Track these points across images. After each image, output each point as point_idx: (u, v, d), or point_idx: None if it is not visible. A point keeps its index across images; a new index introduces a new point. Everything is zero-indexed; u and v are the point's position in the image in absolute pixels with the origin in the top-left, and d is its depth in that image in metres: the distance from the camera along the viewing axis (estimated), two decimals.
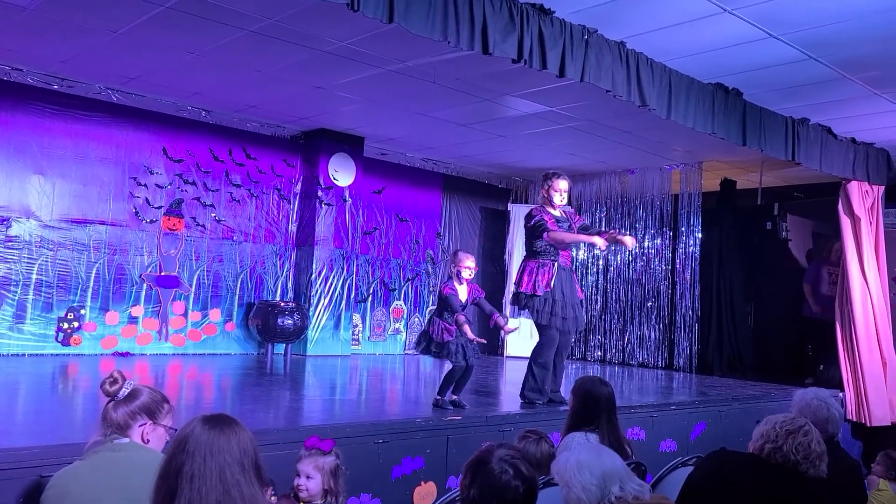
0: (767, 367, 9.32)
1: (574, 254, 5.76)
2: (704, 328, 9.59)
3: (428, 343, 5.26)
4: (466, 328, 5.16)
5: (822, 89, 6.31)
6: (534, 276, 5.47)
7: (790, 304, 9.39)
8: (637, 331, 10.22)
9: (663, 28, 5.21)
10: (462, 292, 5.22)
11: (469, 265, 5.22)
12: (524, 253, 5.77)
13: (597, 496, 2.24)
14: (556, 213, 5.64)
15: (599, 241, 5.46)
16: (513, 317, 5.91)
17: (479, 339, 5.25)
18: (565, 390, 5.55)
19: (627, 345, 10.32)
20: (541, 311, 5.43)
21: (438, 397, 5.25)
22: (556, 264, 5.50)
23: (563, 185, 5.62)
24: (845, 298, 7.93)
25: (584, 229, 5.80)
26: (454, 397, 5.28)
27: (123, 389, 2.50)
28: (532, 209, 5.68)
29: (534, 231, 5.55)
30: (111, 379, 2.54)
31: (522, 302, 5.52)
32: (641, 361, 10.12)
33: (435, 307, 5.56)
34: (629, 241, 5.59)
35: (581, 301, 5.75)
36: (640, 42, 5.42)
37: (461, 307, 5.17)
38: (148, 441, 2.47)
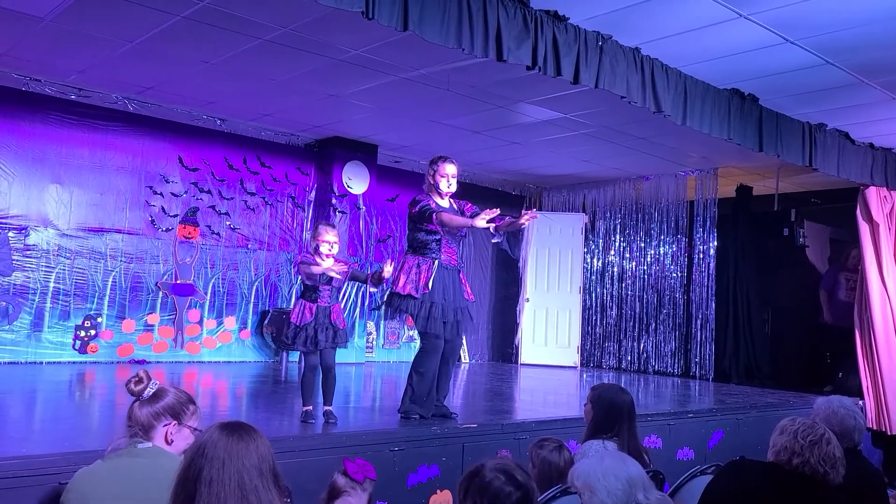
0: (784, 374, 9.23)
1: (461, 252, 5.04)
2: (720, 335, 9.51)
3: (287, 329, 4.74)
4: (328, 268, 4.59)
5: (839, 94, 6.26)
6: (410, 274, 4.82)
7: (807, 311, 9.31)
8: (653, 338, 10.15)
9: (678, 34, 5.19)
10: (327, 264, 4.72)
11: (329, 239, 4.72)
12: (405, 247, 5.11)
13: (623, 500, 2.21)
14: (444, 202, 4.97)
15: (480, 223, 4.66)
16: (387, 319, 5.18)
17: (340, 269, 4.61)
18: (581, 398, 5.48)
19: (643, 352, 10.25)
20: (417, 315, 4.79)
21: (303, 408, 4.71)
22: (436, 262, 4.85)
23: (450, 169, 4.92)
24: (864, 305, 7.85)
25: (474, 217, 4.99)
26: (326, 408, 4.71)
27: (148, 389, 2.50)
28: (416, 195, 4.99)
29: (419, 218, 4.85)
30: (136, 378, 2.53)
31: (396, 304, 4.84)
32: (657, 369, 10.04)
33: (298, 288, 4.94)
34: (524, 219, 4.81)
35: (470, 304, 5.07)
36: (654, 48, 5.40)
37: (321, 275, 4.64)
38: (172, 442, 2.47)
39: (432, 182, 4.95)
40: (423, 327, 4.84)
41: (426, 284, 4.79)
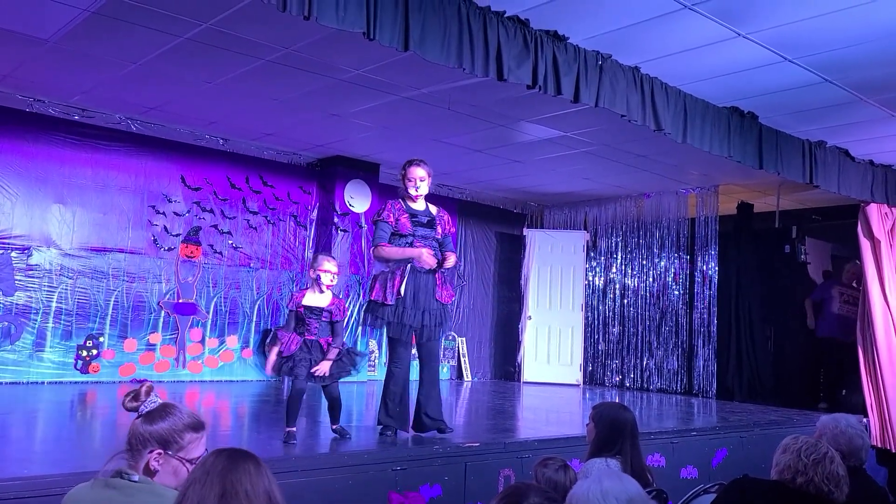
0: (788, 391, 9.20)
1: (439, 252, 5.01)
2: (723, 353, 9.49)
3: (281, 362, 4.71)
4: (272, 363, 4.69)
5: (838, 112, 6.29)
6: (385, 281, 4.83)
7: (810, 328, 9.30)
8: (655, 356, 10.13)
9: (677, 53, 5.23)
10: (321, 300, 4.74)
11: (329, 269, 4.73)
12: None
13: None
14: (417, 205, 4.99)
15: (423, 255, 4.78)
16: (366, 326, 5.22)
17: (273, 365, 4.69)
18: (584, 416, 5.45)
19: (646, 370, 10.22)
20: (392, 322, 4.79)
21: (286, 429, 4.61)
22: (408, 266, 4.83)
23: (417, 172, 4.91)
24: (867, 322, 7.83)
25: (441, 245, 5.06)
26: (335, 426, 4.81)
27: (143, 407, 2.29)
28: (385, 205, 4.99)
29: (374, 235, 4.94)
30: (132, 395, 2.31)
31: (374, 312, 4.84)
32: (660, 387, 10.01)
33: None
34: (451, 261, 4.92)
35: (443, 306, 5.00)
36: (654, 67, 5.44)
37: (306, 316, 4.70)
38: (157, 472, 2.22)
39: (403, 186, 5.00)
40: (394, 333, 4.86)
41: (398, 290, 4.79)
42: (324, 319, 4.77)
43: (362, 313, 5.08)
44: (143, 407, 2.28)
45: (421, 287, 4.90)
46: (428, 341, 5.03)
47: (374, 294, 4.85)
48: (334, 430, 4.80)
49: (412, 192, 4.96)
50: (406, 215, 4.93)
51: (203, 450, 2.31)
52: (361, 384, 8.85)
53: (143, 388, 2.31)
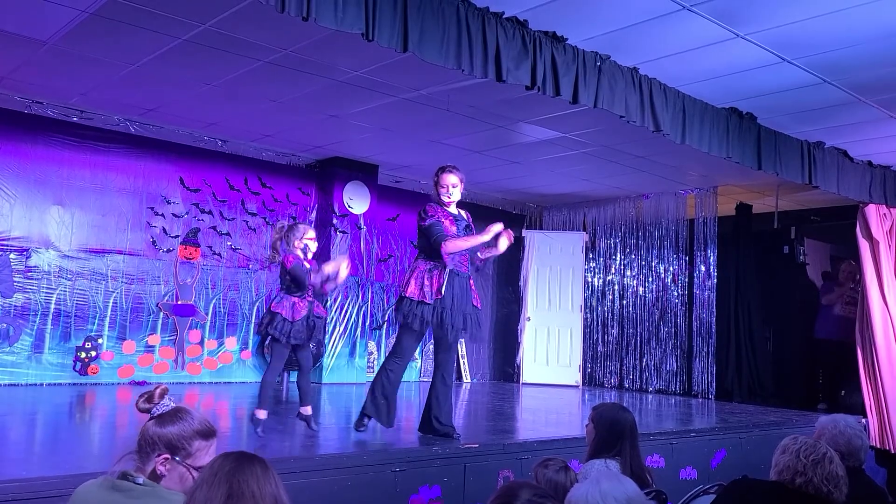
0: (787, 392, 9.20)
1: (471, 257, 5.04)
2: (722, 353, 9.49)
3: (270, 321, 4.77)
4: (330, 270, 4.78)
5: (837, 113, 6.29)
6: (422, 279, 4.77)
7: (809, 329, 9.30)
8: (654, 357, 10.12)
9: (676, 54, 5.23)
10: (305, 265, 4.81)
11: (314, 236, 4.83)
12: (416, 252, 5.11)
13: None
14: (452, 209, 4.98)
15: (487, 237, 4.80)
16: (396, 324, 5.20)
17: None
18: (583, 417, 5.44)
19: (644, 371, 10.22)
20: (432, 321, 4.74)
21: (258, 414, 4.67)
22: (448, 267, 4.79)
23: (450, 179, 4.88)
24: (865, 322, 7.84)
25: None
26: (307, 411, 4.78)
27: (155, 409, 2.27)
28: (427, 206, 4.94)
29: (428, 234, 4.83)
30: (146, 395, 2.29)
31: (407, 310, 4.77)
32: (659, 388, 10.01)
33: (282, 286, 4.93)
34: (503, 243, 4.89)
35: (478, 311, 5.00)
36: (652, 68, 5.44)
37: (308, 281, 4.77)
38: (163, 476, 2.20)
39: (436, 192, 4.96)
40: (438, 334, 4.86)
41: (439, 290, 4.73)
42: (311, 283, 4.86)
43: (393, 310, 5.04)
44: (155, 409, 2.26)
45: (458, 289, 4.85)
46: (453, 344, 5.02)
47: (409, 291, 4.77)
48: (301, 417, 4.76)
49: (445, 198, 4.90)
50: (450, 218, 4.90)
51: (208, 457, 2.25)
52: (361, 385, 8.83)
53: (158, 391, 2.29)
